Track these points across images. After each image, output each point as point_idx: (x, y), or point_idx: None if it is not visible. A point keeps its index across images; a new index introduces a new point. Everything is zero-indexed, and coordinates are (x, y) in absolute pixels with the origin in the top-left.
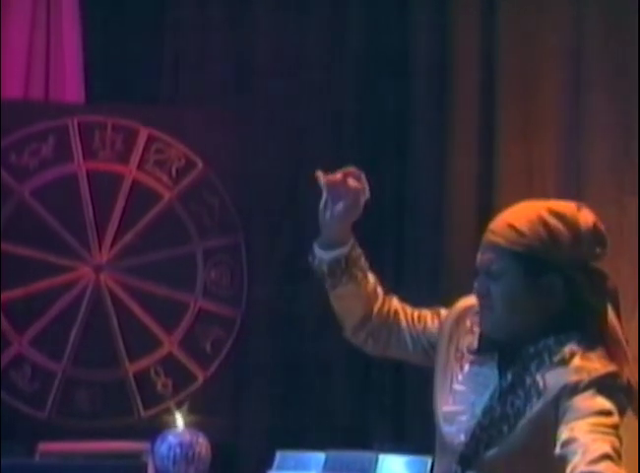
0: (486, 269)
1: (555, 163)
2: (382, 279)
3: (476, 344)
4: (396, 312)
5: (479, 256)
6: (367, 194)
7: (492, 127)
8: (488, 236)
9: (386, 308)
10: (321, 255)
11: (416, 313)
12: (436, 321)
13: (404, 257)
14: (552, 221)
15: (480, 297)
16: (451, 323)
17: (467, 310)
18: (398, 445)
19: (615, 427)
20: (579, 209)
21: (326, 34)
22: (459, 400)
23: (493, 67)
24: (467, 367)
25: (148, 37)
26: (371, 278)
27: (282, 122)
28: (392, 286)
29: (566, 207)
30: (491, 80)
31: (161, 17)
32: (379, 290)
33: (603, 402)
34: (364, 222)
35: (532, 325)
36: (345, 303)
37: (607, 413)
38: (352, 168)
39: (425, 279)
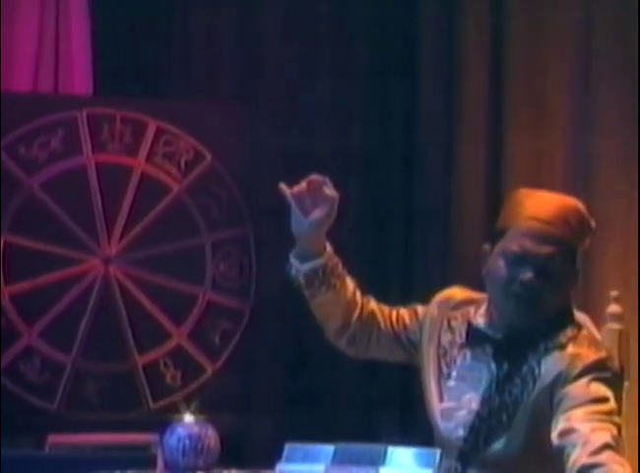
0: (544, 262)
1: (564, 155)
2: (390, 270)
3: (461, 338)
4: (373, 315)
5: (531, 245)
6: (337, 200)
7: (501, 119)
8: (547, 229)
9: (365, 313)
10: (298, 267)
11: (394, 313)
12: (414, 319)
13: (413, 248)
14: (584, 217)
15: (526, 288)
16: (430, 321)
17: (443, 306)
18: (406, 437)
19: (612, 413)
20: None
21: (332, 26)
22: (454, 396)
23: (502, 59)
24: (458, 362)
25: (157, 30)
26: (350, 284)
27: (290, 115)
28: (401, 278)
29: (581, 204)
30: (500, 72)
31: (171, 9)
32: (358, 295)
33: (598, 389)
34: (372, 217)
35: (552, 315)
36: (324, 310)
37: (602, 400)
38: (315, 176)
39: (434, 270)
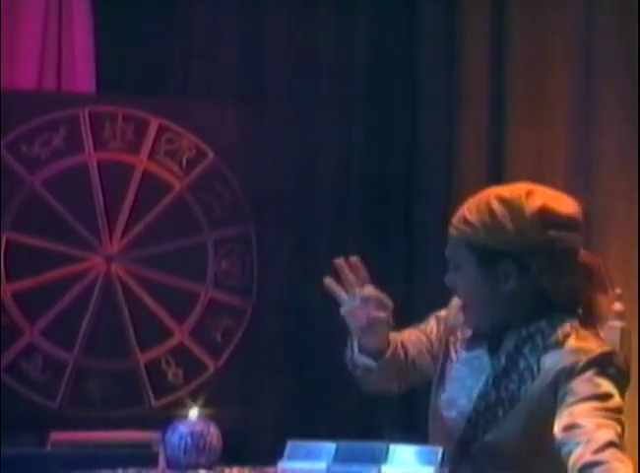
0: (449, 258)
1: (566, 154)
2: (392, 271)
3: (469, 330)
4: (407, 353)
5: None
6: (390, 304)
7: (502, 117)
8: (449, 230)
9: (407, 358)
10: (369, 364)
11: (423, 331)
12: (442, 325)
13: (413, 246)
14: (498, 208)
15: (453, 290)
16: (452, 319)
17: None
18: (408, 435)
19: (617, 410)
20: (528, 193)
21: (334, 23)
22: (457, 386)
23: (504, 55)
24: (463, 352)
25: (159, 28)
26: (401, 348)
27: (292, 112)
28: (402, 276)
29: (513, 192)
30: (502, 69)
31: (173, 8)
32: (406, 346)
33: (602, 384)
34: (373, 215)
35: (508, 313)
36: (390, 380)
37: (607, 396)
38: (368, 292)
39: (435, 271)
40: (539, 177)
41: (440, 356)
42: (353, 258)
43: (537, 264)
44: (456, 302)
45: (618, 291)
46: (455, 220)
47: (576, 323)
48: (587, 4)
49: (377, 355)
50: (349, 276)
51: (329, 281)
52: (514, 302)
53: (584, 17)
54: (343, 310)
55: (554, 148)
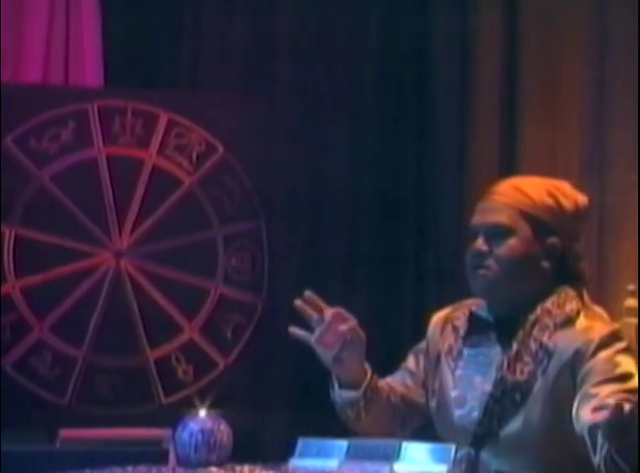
0: (492, 228)
1: (579, 148)
2: (403, 269)
3: (466, 326)
4: (402, 396)
5: (479, 217)
6: (355, 322)
7: (515, 112)
8: (494, 198)
9: (395, 395)
10: (352, 395)
11: (403, 368)
12: (421, 356)
13: (425, 243)
14: (557, 192)
15: (478, 257)
16: (431, 336)
17: (443, 315)
18: (420, 433)
19: (634, 390)
20: (573, 187)
21: (346, 18)
22: (465, 383)
23: (516, 51)
24: (465, 352)
25: (168, 22)
26: (384, 382)
27: (302, 106)
28: (413, 277)
29: (564, 184)
30: (514, 64)
31: (182, 1)
32: (392, 385)
33: (621, 363)
34: (384, 213)
35: (525, 291)
36: (383, 415)
37: (627, 376)
38: (329, 312)
39: (447, 267)
40: (553, 173)
41: (437, 369)
42: (307, 293)
43: (577, 249)
44: (439, 320)
45: (632, 287)
46: (507, 191)
47: (579, 300)
48: (600, 4)
49: (357, 384)
50: (309, 312)
51: (293, 329)
52: (538, 280)
53: (597, 16)
54: (313, 341)
55: (568, 142)
